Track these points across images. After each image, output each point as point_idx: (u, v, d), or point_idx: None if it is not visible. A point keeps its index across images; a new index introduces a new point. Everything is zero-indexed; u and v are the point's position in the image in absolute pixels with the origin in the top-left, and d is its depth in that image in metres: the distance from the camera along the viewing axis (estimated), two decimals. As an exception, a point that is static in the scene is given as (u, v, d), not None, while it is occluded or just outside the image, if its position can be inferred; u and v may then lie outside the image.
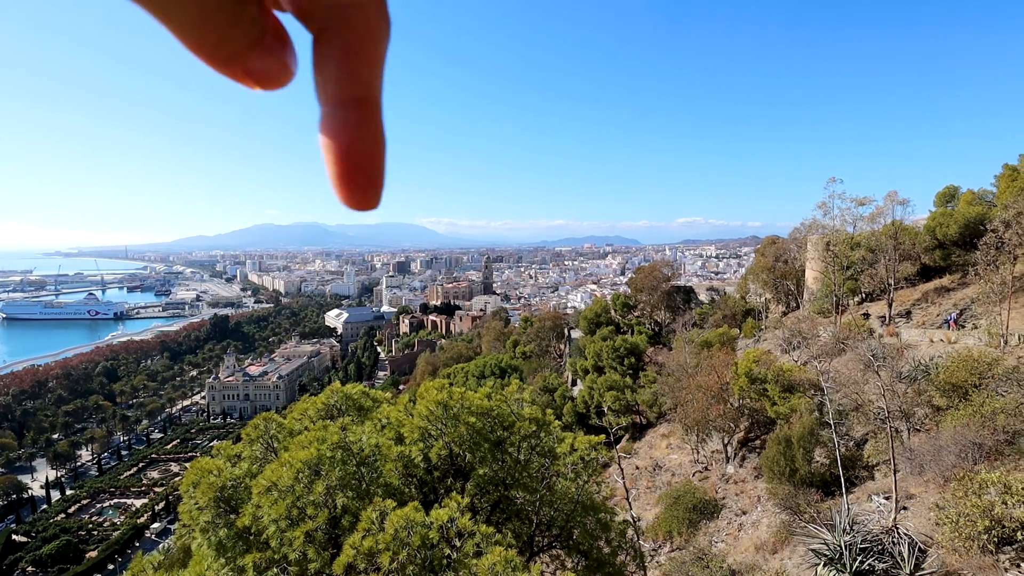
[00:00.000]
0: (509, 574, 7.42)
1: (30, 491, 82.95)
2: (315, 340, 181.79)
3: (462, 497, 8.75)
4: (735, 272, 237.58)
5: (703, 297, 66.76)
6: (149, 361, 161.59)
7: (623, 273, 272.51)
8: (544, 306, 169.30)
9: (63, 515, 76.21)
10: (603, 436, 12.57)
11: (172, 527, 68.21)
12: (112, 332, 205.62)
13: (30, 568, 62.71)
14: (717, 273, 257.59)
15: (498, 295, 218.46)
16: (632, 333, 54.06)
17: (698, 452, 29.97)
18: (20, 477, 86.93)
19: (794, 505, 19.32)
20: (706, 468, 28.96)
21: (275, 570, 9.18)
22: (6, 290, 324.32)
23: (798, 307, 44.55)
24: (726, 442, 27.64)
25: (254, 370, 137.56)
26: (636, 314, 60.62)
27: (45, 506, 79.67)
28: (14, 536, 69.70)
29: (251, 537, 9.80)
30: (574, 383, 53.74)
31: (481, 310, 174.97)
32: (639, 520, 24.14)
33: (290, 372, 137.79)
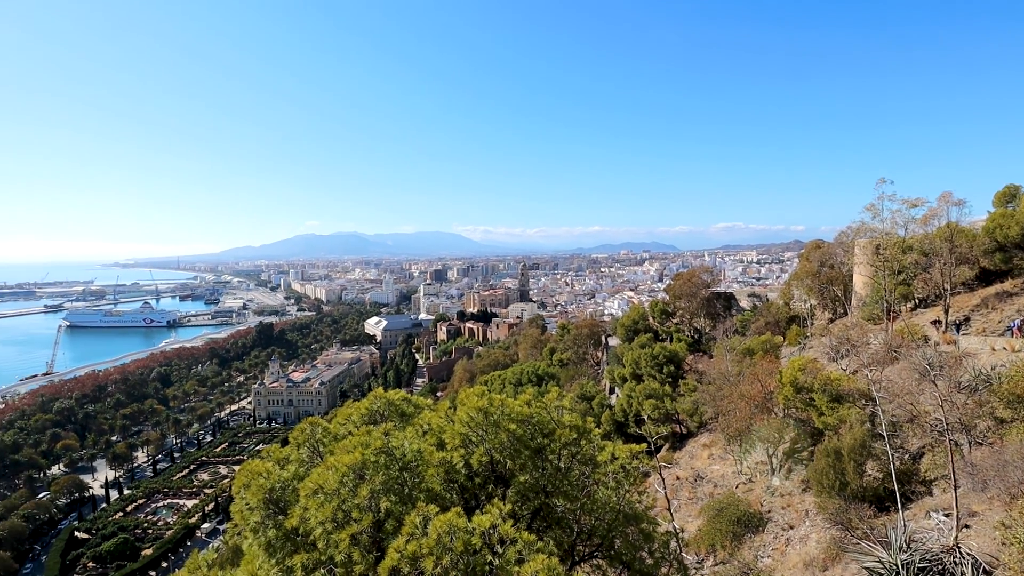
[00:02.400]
0: (551, 582, 7.41)
1: (91, 490, 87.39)
2: (355, 347, 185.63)
3: (503, 504, 8.80)
4: (777, 278, 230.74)
5: (744, 304, 65.12)
6: (199, 367, 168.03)
7: (661, 280, 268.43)
8: (580, 313, 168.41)
9: (121, 513, 79.86)
10: (644, 445, 12.43)
11: (221, 527, 70.65)
12: (166, 339, 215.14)
13: (91, 564, 65.87)
14: (759, 279, 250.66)
15: (534, 302, 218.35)
16: (671, 340, 53.14)
17: (741, 463, 29.15)
18: (82, 477, 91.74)
19: (845, 520, 18.55)
20: (750, 480, 28.14)
21: (322, 571, 9.42)
22: (70, 300, 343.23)
23: (845, 313, 42.92)
24: (771, 453, 26.80)
25: (297, 376, 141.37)
26: (675, 321, 59.59)
27: (105, 505, 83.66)
28: (76, 533, 73.44)
29: (299, 538, 10.09)
30: (612, 391, 53.16)
31: (518, 317, 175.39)
32: (681, 532, 23.63)
33: (331, 378, 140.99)
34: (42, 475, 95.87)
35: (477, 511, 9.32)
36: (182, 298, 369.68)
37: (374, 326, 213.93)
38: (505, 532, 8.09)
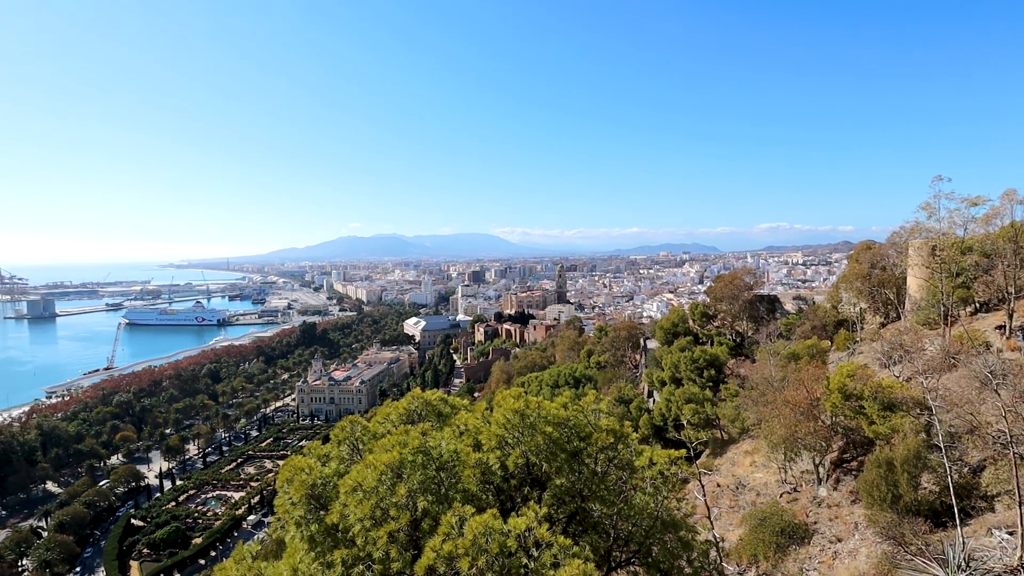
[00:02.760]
0: (587, 587, 7.35)
1: (146, 480, 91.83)
2: (395, 347, 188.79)
3: (539, 507, 8.78)
4: (824, 280, 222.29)
5: (789, 307, 63.02)
6: (247, 364, 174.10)
7: (701, 282, 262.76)
8: (619, 315, 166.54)
9: (173, 503, 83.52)
10: (683, 451, 12.18)
11: (266, 520, 73.00)
12: (216, 337, 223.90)
13: (145, 550, 69.15)
14: (804, 281, 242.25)
15: (572, 304, 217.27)
16: (712, 344, 51.93)
17: (786, 472, 28.21)
18: (139, 467, 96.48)
19: (898, 535, 17.70)
20: (795, 489, 27.21)
21: (361, 567, 9.60)
22: (129, 299, 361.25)
23: (898, 318, 40.99)
24: (817, 462, 25.83)
25: (339, 375, 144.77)
26: (716, 324, 58.17)
27: (159, 494, 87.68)
28: (133, 520, 77.24)
29: (339, 534, 10.32)
30: (650, 395, 52.34)
31: (555, 319, 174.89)
32: (722, 541, 23.04)
33: (371, 377, 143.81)
34: (102, 464, 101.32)
35: (513, 513, 9.33)
36: (231, 298, 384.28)
37: (413, 326, 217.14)
38: (541, 535, 8.07)
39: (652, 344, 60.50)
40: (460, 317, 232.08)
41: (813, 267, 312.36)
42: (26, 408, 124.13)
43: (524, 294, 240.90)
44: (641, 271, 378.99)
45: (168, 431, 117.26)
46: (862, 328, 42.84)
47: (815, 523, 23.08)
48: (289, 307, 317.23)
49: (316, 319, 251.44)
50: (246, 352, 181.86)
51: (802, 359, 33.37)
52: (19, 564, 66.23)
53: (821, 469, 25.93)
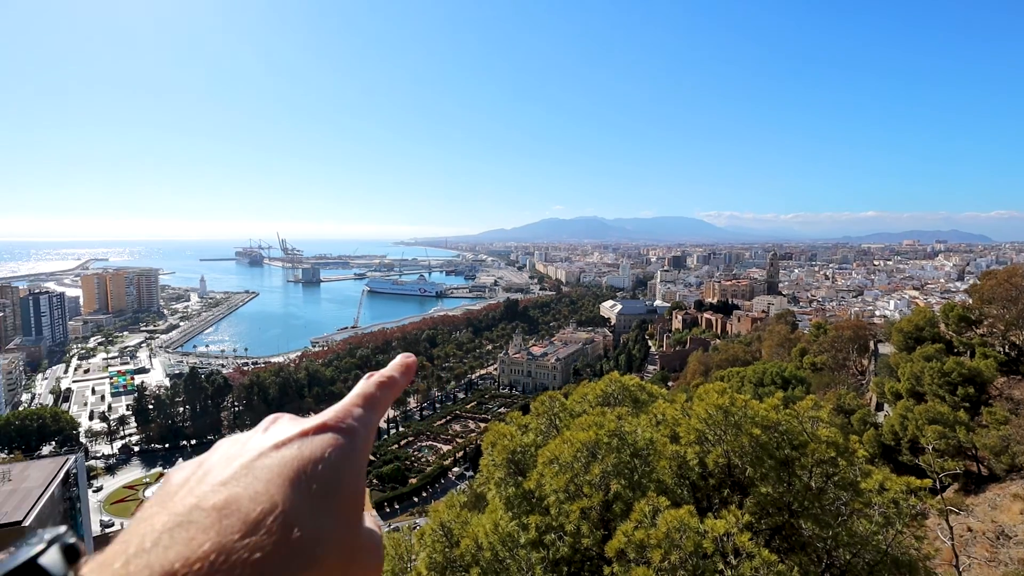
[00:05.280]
0: (793, 610, 6.69)
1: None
2: (590, 328, 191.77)
3: (740, 512, 8.21)
4: None
5: (1107, 318, 47.76)
6: (458, 333, 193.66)
7: (961, 278, 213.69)
8: (843, 312, 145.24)
9: (396, 446, 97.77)
10: (927, 481, 10.21)
11: (468, 473, 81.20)
12: (434, 307, 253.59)
13: (375, 480, 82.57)
14: None
15: (784, 296, 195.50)
16: (971, 355, 42.01)
17: (1083, 530, 21.81)
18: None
19: None
20: (1097, 555, 20.92)
21: (553, 536, 10.13)
22: (370, 270, 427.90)
23: None
24: None
25: (536, 350, 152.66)
26: (979, 332, 46.77)
27: (385, 436, 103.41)
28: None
29: (534, 500, 11.02)
30: (879, 407, 44.74)
31: (763, 311, 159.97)
32: (973, 596, 18.89)
33: (566, 356, 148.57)
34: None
35: (710, 514, 8.89)
36: (447, 273, 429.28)
37: (609, 309, 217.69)
38: (741, 543, 7.55)
39: (885, 349, 51.43)
40: (657, 303, 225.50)
41: None
42: (298, 353, 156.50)
43: (729, 282, 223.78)
44: (875, 262, 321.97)
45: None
46: None
47: None
48: (495, 284, 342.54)
49: (518, 296, 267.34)
50: (458, 322, 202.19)
51: (1123, 388, 25.18)
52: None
53: None
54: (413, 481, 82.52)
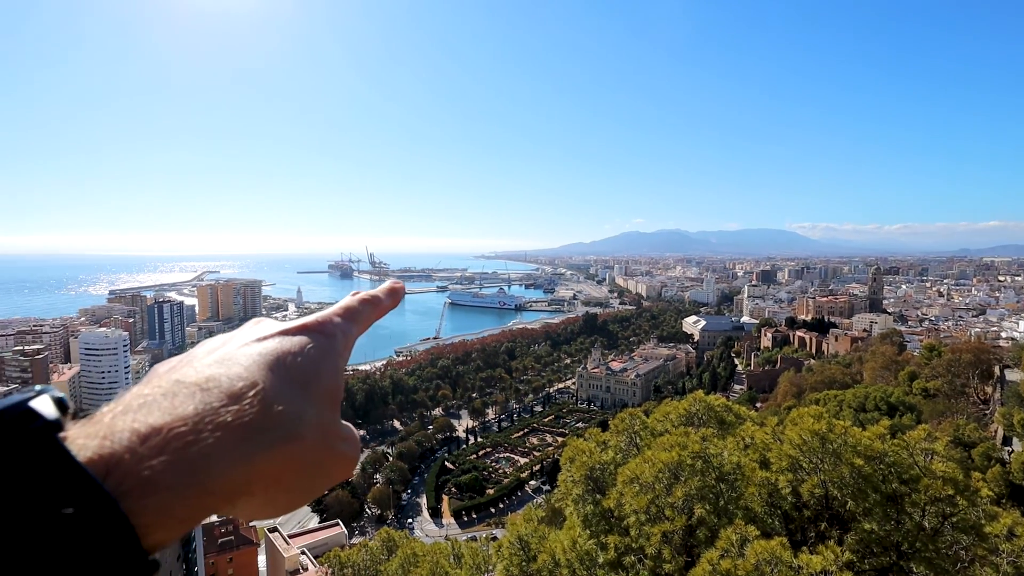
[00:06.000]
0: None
1: (456, 432, 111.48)
2: (671, 344, 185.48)
3: (840, 549, 7.58)
4: None
5: None
6: (536, 346, 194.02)
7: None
8: (960, 333, 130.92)
9: (474, 456, 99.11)
10: (1070, 529, 8.90)
11: (544, 487, 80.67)
12: (513, 320, 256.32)
13: (453, 489, 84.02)
14: None
15: (890, 314, 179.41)
16: None
17: None
18: (452, 420, 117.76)
19: None
20: None
21: (632, 558, 9.85)
22: (452, 283, 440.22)
23: None
24: None
25: (615, 365, 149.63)
26: None
27: (464, 446, 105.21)
28: (446, 462, 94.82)
29: (612, 519, 10.78)
30: (1006, 441, 39.70)
31: (864, 330, 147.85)
32: None
33: (647, 372, 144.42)
34: (428, 413, 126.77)
35: (804, 548, 8.29)
36: (526, 286, 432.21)
37: (692, 325, 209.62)
38: (841, 583, 6.98)
39: (1013, 375, 45.77)
40: (744, 319, 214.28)
41: None
42: (383, 362, 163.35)
43: (824, 299, 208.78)
44: (1000, 278, 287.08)
45: (473, 395, 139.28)
46: None
47: None
48: (574, 297, 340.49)
49: (597, 310, 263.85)
50: (536, 335, 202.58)
51: None
52: (374, 477, 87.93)
53: None
54: (490, 492, 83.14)
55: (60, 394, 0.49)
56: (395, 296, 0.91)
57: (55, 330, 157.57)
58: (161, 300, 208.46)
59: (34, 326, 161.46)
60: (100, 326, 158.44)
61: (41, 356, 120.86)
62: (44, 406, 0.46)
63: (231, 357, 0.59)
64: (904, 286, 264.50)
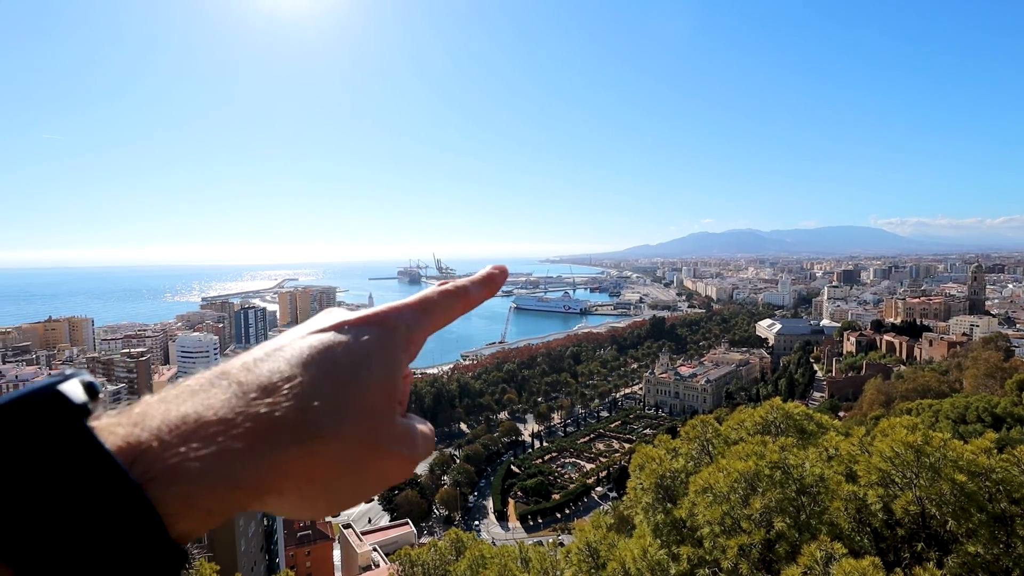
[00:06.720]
0: None
1: (522, 436, 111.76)
2: (744, 349, 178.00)
3: (939, 572, 7.00)
4: None
5: None
6: (602, 351, 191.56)
7: None
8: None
9: (540, 460, 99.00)
10: None
11: (611, 493, 79.35)
12: (578, 324, 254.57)
13: (519, 492, 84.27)
14: None
15: (993, 316, 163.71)
16: None
17: None
18: (518, 424, 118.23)
19: None
20: None
21: (706, 571, 9.50)
22: (517, 287, 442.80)
23: None
24: None
25: (684, 371, 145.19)
26: None
27: (530, 450, 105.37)
28: (512, 466, 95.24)
29: (684, 530, 10.46)
30: None
31: (963, 334, 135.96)
32: None
33: (718, 378, 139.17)
34: (495, 417, 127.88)
35: (898, 568, 7.71)
36: (591, 290, 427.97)
37: (766, 329, 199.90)
38: (942, 608, 6.43)
39: None
40: (824, 322, 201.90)
41: None
42: (450, 366, 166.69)
43: (916, 300, 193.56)
44: None
45: (539, 399, 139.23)
46: None
47: None
48: (641, 301, 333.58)
49: (665, 314, 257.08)
50: (602, 339, 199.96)
51: None
52: (441, 479, 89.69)
53: None
54: (556, 497, 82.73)
55: (91, 378, 0.49)
56: (490, 284, 0.83)
57: (156, 334, 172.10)
58: (247, 307, 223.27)
59: (139, 330, 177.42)
60: (194, 331, 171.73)
61: (144, 358, 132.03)
62: (73, 390, 0.45)
63: (280, 349, 0.58)
64: (1011, 285, 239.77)
